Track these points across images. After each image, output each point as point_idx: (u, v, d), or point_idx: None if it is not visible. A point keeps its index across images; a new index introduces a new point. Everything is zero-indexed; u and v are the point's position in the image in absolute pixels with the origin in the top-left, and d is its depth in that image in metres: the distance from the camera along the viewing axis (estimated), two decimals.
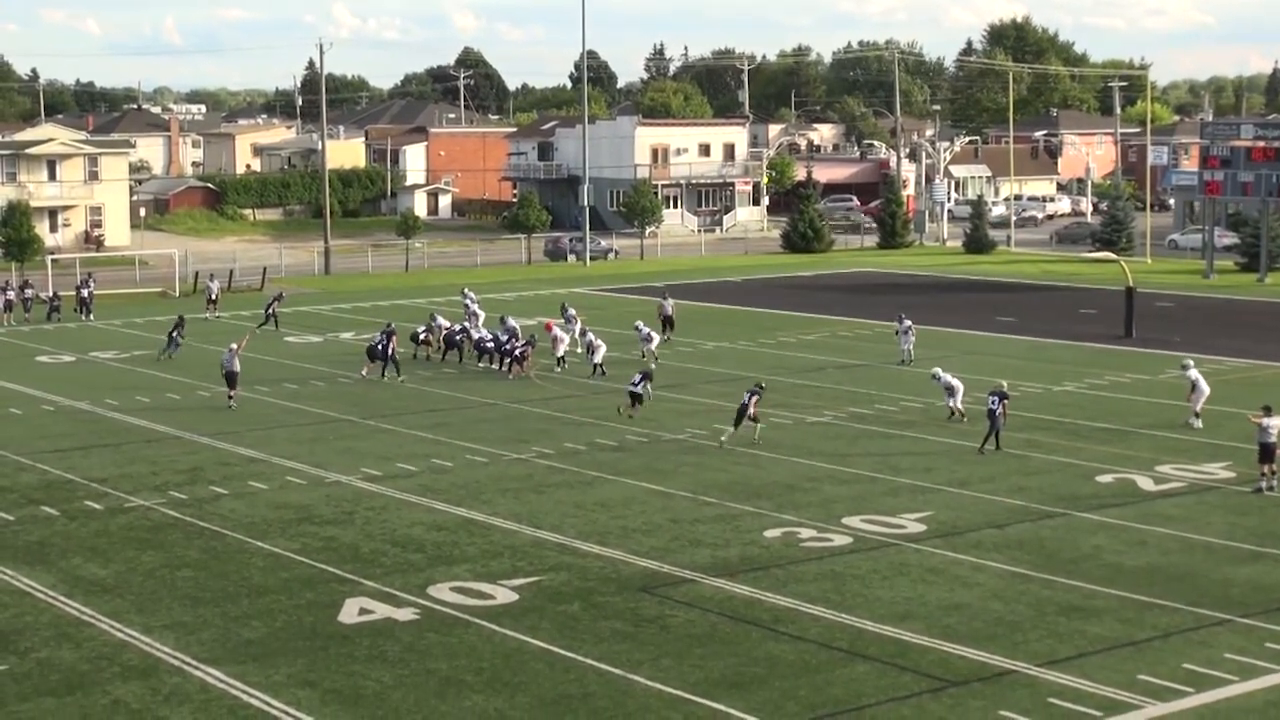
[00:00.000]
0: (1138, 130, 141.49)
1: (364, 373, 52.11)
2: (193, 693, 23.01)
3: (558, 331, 55.03)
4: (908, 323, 55.54)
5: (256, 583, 28.66)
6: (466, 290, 69.41)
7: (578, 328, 57.94)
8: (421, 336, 56.91)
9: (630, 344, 55.61)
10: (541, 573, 29.06)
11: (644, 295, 74.59)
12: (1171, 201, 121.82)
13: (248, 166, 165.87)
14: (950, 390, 43.98)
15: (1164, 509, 33.79)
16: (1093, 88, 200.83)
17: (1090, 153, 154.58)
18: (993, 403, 39.92)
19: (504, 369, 52.95)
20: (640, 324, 56.28)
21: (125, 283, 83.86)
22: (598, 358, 52.80)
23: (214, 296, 72.33)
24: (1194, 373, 44.41)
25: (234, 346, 48.28)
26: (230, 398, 46.97)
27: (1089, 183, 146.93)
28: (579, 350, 55.05)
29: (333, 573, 29.23)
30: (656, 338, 56.87)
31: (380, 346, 52.39)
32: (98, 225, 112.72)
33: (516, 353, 52.62)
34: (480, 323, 59.80)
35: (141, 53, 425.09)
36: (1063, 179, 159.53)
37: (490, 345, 54.86)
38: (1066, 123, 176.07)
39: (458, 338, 56.42)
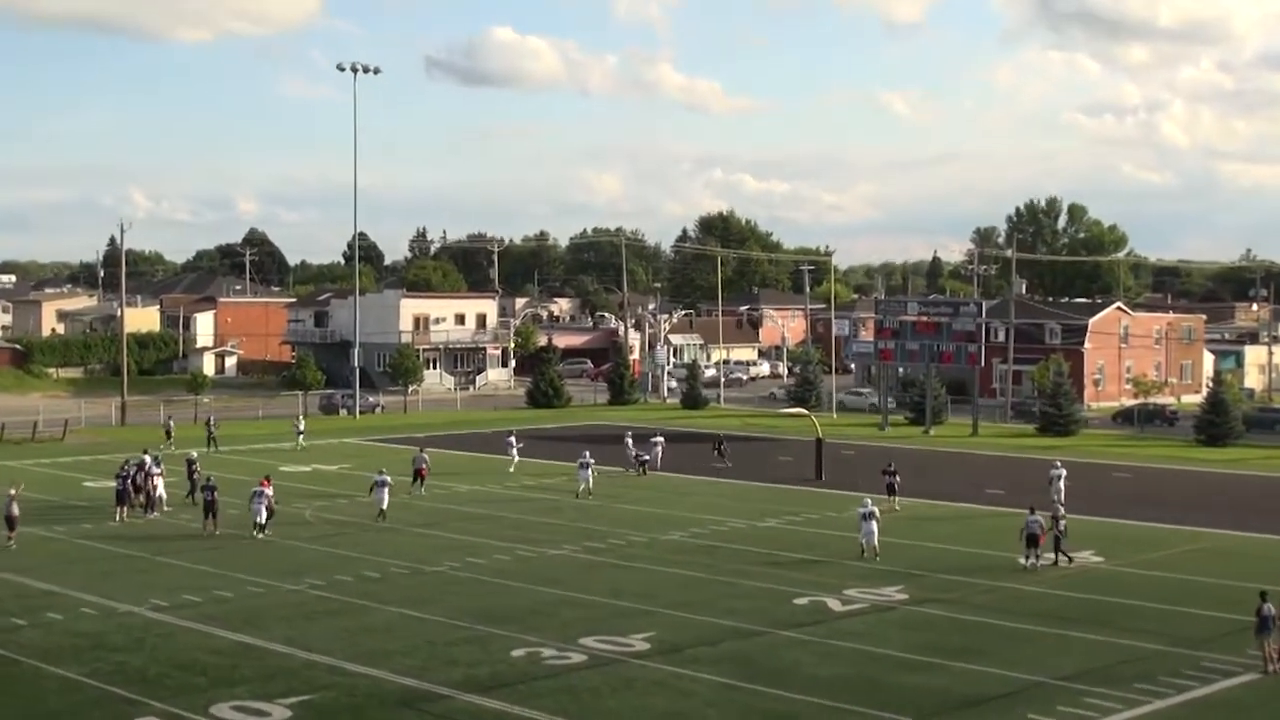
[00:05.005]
0: (824, 306, 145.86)
1: (122, 517, 49.88)
2: None
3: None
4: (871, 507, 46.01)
5: (50, 706, 27.10)
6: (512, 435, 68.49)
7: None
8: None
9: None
10: (313, 691, 28.08)
11: (405, 445, 73.57)
12: (853, 365, 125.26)
13: (53, 330, 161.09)
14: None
15: (850, 626, 34.19)
16: (786, 270, 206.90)
17: (785, 324, 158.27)
18: (1032, 525, 42.00)
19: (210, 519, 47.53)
20: (383, 470, 52.45)
21: None
22: (160, 490, 51.77)
23: (213, 432, 73.78)
24: (1056, 471, 52.98)
25: (13, 493, 46.11)
26: (10, 539, 44.54)
27: (785, 349, 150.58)
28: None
29: (121, 694, 27.79)
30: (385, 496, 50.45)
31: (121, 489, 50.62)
32: None
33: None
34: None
35: None
36: (763, 346, 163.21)
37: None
38: (766, 299, 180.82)
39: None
